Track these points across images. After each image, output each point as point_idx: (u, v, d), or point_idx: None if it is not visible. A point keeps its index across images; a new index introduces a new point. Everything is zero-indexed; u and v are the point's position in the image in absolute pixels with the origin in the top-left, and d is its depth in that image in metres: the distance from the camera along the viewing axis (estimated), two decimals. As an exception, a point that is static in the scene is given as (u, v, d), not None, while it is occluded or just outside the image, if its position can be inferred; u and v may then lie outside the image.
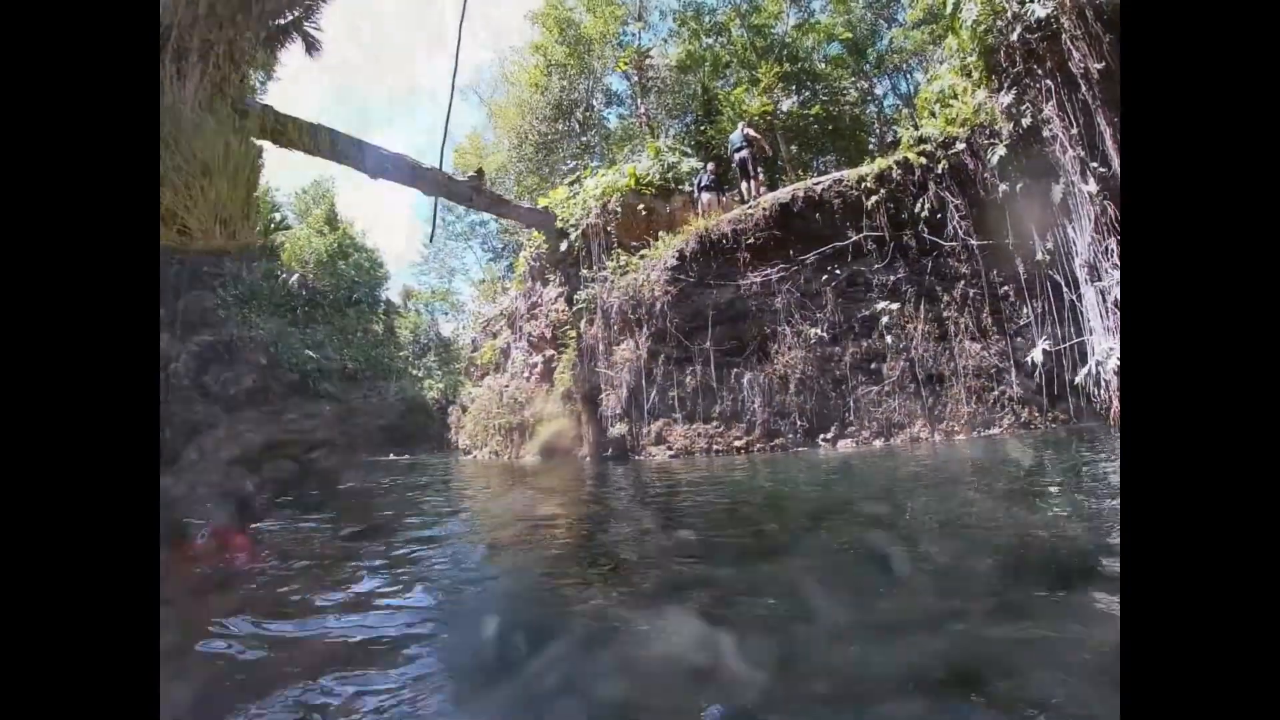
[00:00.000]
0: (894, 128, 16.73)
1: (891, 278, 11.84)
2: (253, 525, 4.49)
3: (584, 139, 27.57)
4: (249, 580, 3.87)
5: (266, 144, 20.84)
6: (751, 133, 15.30)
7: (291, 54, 16.22)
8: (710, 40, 22.66)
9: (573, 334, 17.96)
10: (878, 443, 11.34)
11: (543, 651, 2.45)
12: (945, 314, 11.37)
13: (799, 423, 11.99)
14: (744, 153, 14.86)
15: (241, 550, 4.16)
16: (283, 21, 19.93)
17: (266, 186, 34.49)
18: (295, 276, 35.62)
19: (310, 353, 33.17)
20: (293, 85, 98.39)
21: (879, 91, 23.32)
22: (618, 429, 14.56)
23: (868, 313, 11.91)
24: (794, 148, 19.55)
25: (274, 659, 2.59)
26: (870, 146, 19.50)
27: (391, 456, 32.65)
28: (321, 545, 4.91)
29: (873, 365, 11.80)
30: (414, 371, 49.13)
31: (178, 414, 18.40)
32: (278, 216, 34.84)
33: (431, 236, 22.62)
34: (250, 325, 28.11)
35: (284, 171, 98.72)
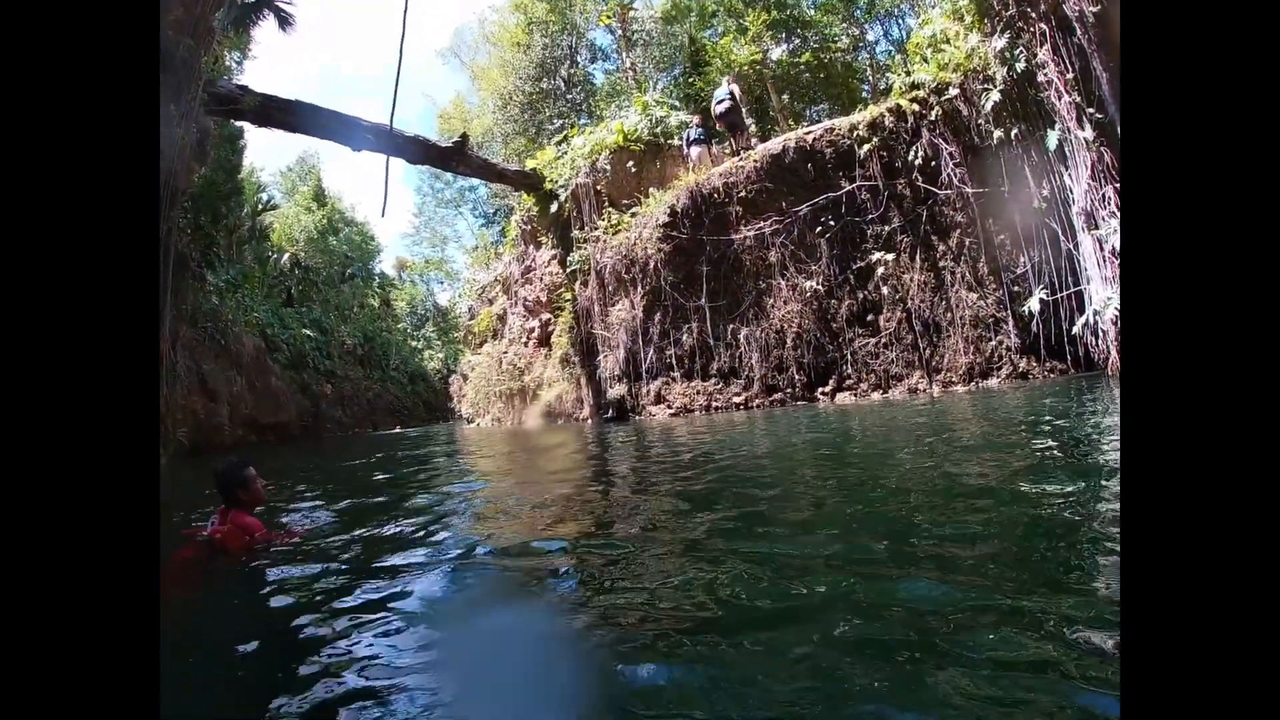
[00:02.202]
0: (887, 74, 16.40)
1: (886, 228, 11.59)
2: (260, 507, 4.39)
3: (570, 97, 27.21)
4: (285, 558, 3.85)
5: (247, 125, 20.75)
6: (736, 89, 15.01)
7: (266, 31, 15.86)
8: (695, -12, 22.16)
9: (568, 296, 17.89)
10: (876, 395, 11.24)
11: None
12: (941, 264, 11.10)
13: (797, 377, 11.91)
14: (725, 104, 14.57)
15: (255, 530, 4.06)
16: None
17: (251, 167, 34.17)
18: (287, 256, 35.43)
19: (308, 331, 33.10)
20: (275, 62, 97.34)
21: (871, 37, 22.87)
22: (617, 390, 14.55)
23: (863, 264, 11.70)
24: (785, 97, 19.22)
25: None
26: (863, 94, 19.19)
27: (397, 430, 32.78)
28: (331, 524, 4.91)
29: (869, 317, 11.62)
30: (413, 343, 49.45)
31: (179, 405, 18.28)
32: (264, 197, 34.54)
33: (384, 211, 22.26)
34: (245, 309, 27.84)
35: (271, 147, 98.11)
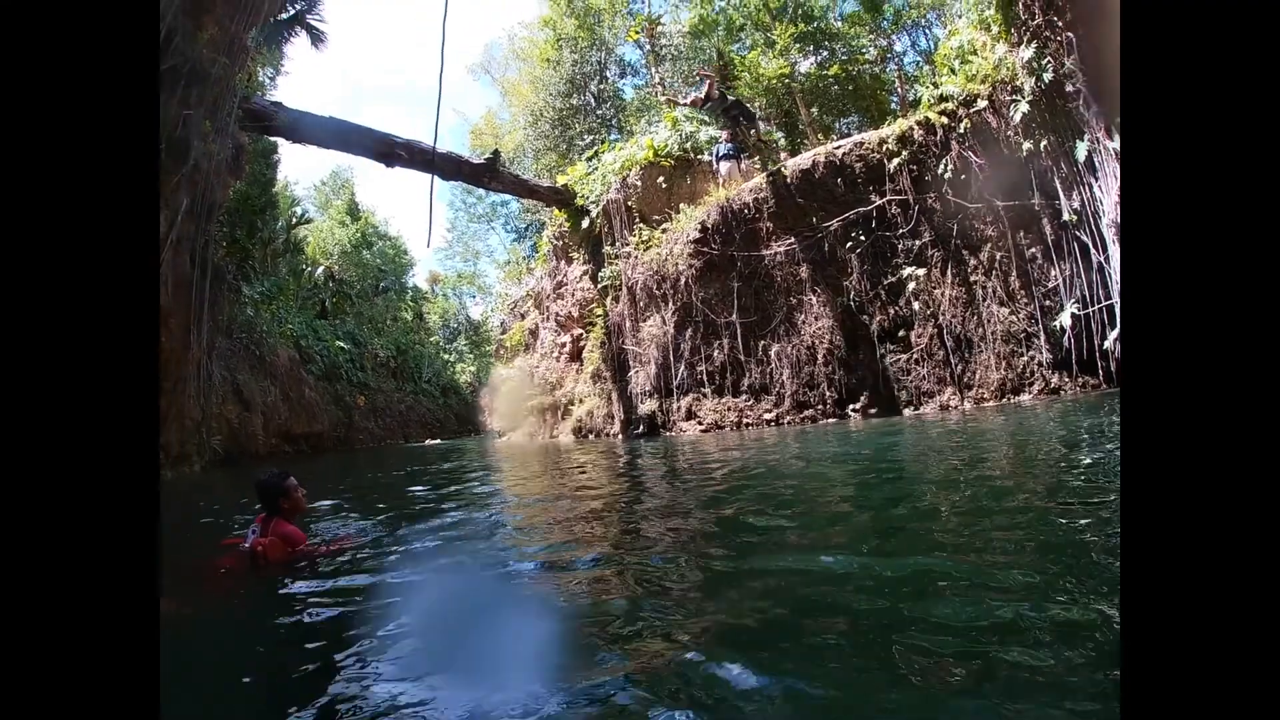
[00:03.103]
0: (915, 86, 16.34)
1: (917, 242, 11.58)
2: (299, 513, 4.49)
3: (600, 112, 27.39)
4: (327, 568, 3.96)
5: (280, 140, 21.17)
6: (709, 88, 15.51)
7: (298, 47, 16.24)
8: (722, 3, 22.17)
9: (599, 312, 17.97)
10: (907, 411, 11.21)
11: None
12: (972, 278, 11.05)
13: (828, 393, 11.93)
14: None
15: (298, 540, 4.18)
16: (285, 16, 20.11)
17: (285, 181, 34.70)
18: (321, 269, 35.98)
19: (342, 343, 33.56)
20: (306, 73, 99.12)
21: (899, 48, 22.77)
22: (647, 405, 14.61)
23: (894, 279, 11.68)
24: (814, 110, 19.20)
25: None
26: (892, 106, 19.12)
27: (428, 442, 33.00)
28: (369, 534, 5.03)
29: (900, 333, 11.61)
30: (446, 356, 49.85)
31: (214, 414, 18.66)
32: (299, 211, 35.08)
33: (429, 240, 22.52)
34: (280, 321, 28.32)
35: (304, 162, 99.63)
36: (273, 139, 23.88)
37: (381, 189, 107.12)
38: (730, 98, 14.63)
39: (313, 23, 20.68)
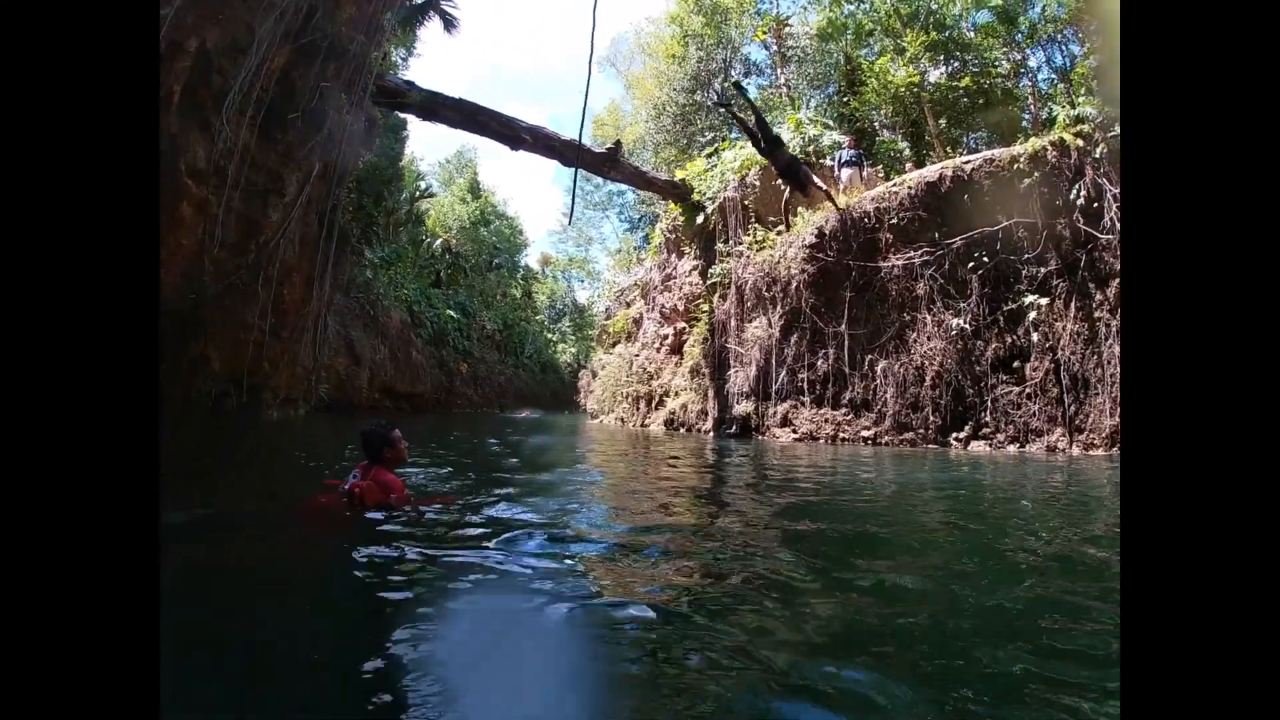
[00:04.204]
0: (1049, 104, 15.65)
1: (1042, 270, 11.02)
2: (399, 464, 4.73)
3: (722, 111, 27.24)
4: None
5: (411, 118, 21.91)
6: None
7: (431, 32, 16.80)
8: (852, 6, 21.63)
9: (705, 308, 18.02)
10: (1011, 448, 10.67)
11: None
12: (1097, 314, 10.41)
13: (931, 418, 11.53)
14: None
15: (396, 488, 4.37)
16: (420, 1, 20.79)
17: (412, 156, 35.97)
18: (439, 241, 37.26)
19: (451, 312, 34.71)
20: (438, 61, 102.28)
21: (1033, 63, 21.82)
22: (743, 406, 14.58)
23: (1014, 306, 11.16)
24: (942, 122, 18.63)
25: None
26: (1024, 124, 18.38)
27: (525, 414, 33.82)
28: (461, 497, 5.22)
29: (1015, 364, 11.09)
30: (549, 335, 50.85)
31: (324, 364, 19.75)
32: (422, 185, 36.41)
33: (570, 219, 22.99)
34: (396, 285, 29.54)
35: (431, 140, 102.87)
36: (403, 116, 24.93)
37: (502, 171, 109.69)
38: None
39: (446, 9, 21.25)
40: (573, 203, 17.73)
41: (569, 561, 3.41)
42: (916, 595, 2.82)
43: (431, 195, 38.69)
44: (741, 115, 14.91)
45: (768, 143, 13.44)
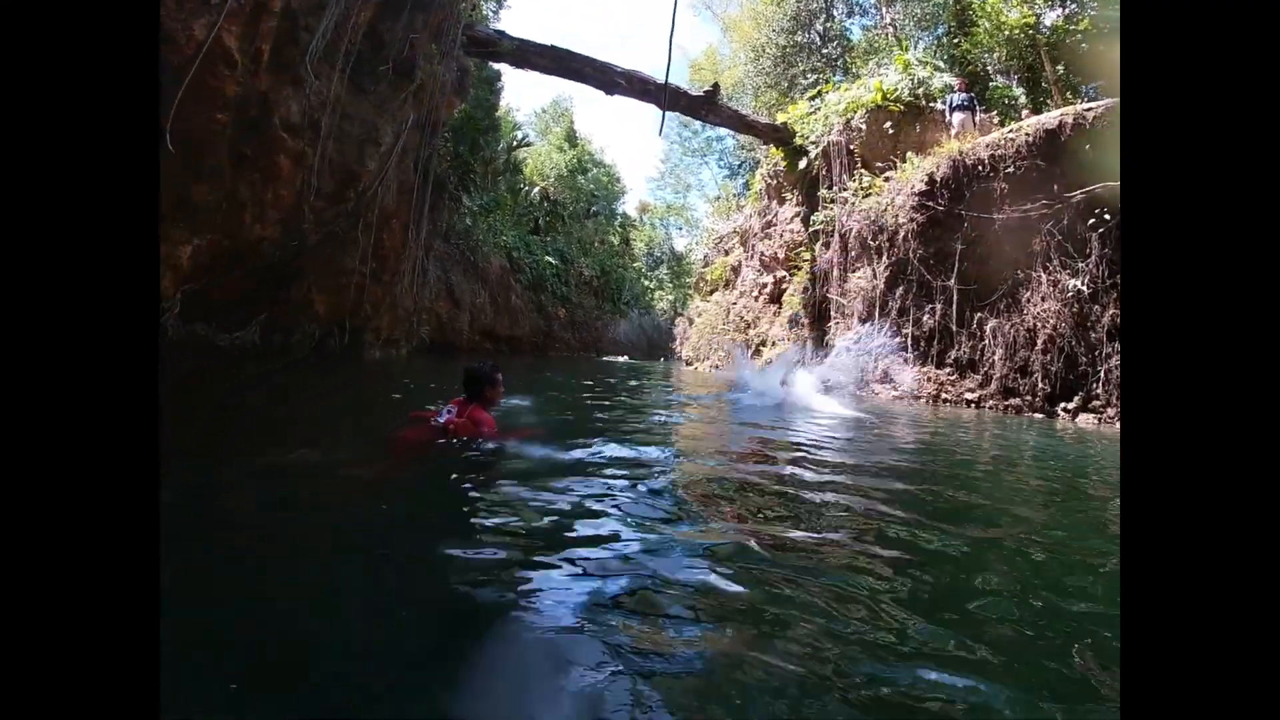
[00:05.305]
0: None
1: (1171, 233, 10.07)
2: (494, 405, 4.88)
3: (824, 52, 26.10)
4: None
5: (504, 66, 21.90)
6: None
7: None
8: (962, -58, 20.17)
9: (806, 256, 17.53)
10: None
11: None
12: None
13: (1040, 385, 10.67)
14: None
15: (488, 425, 4.50)
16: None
17: (508, 107, 36.30)
18: (537, 190, 37.59)
19: (550, 259, 35.16)
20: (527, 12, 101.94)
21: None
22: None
23: (1138, 268, 10.24)
24: (1060, 68, 17.24)
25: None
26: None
27: (620, 358, 34.30)
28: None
29: (1135, 333, 10.15)
30: (645, 282, 51.04)
31: (426, 307, 20.48)
32: (519, 134, 36.62)
33: (660, 129, 22.30)
34: (495, 232, 30.08)
35: (526, 91, 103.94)
36: (497, 67, 25.40)
37: (599, 119, 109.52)
38: None
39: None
40: (663, 119, 17.06)
41: (646, 505, 3.44)
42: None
43: (528, 144, 38.87)
44: None
45: None
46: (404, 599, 2.26)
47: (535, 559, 2.56)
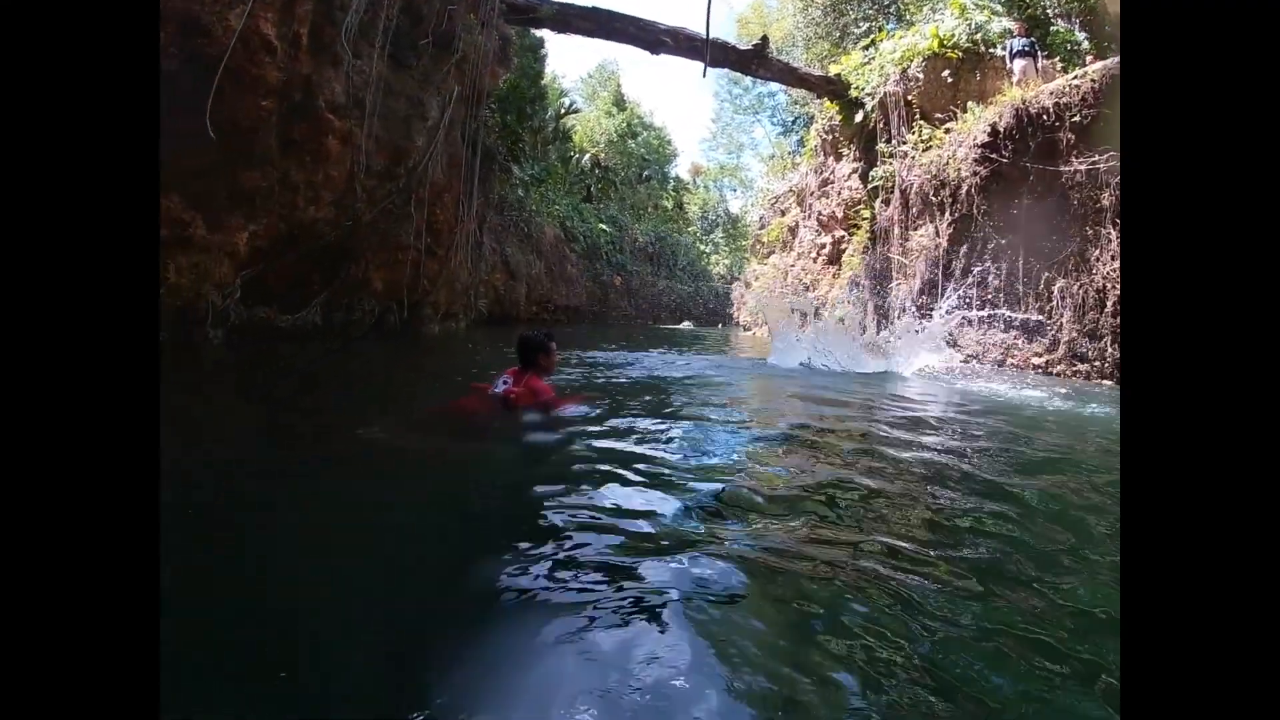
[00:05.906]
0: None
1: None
2: (548, 374, 4.94)
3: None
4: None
5: (546, 33, 21.63)
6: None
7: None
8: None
9: (865, 214, 16.98)
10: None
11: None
12: None
13: (1110, 350, 9.97)
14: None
15: (545, 393, 4.58)
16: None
17: (553, 74, 36.12)
18: (587, 157, 37.44)
19: (604, 226, 35.08)
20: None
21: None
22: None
23: (1216, 228, 9.53)
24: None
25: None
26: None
27: (683, 325, 34.24)
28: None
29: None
30: (701, 246, 50.68)
31: (482, 280, 20.71)
32: (566, 102, 36.42)
33: (705, 71, 21.32)
34: (547, 202, 30.07)
35: (571, 57, 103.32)
36: (538, 34, 25.26)
37: (647, 82, 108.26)
38: None
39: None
40: (707, 34, 16.39)
41: (700, 478, 3.49)
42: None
43: (576, 111, 38.62)
44: None
45: None
46: (409, 598, 2.27)
47: (556, 557, 2.49)
